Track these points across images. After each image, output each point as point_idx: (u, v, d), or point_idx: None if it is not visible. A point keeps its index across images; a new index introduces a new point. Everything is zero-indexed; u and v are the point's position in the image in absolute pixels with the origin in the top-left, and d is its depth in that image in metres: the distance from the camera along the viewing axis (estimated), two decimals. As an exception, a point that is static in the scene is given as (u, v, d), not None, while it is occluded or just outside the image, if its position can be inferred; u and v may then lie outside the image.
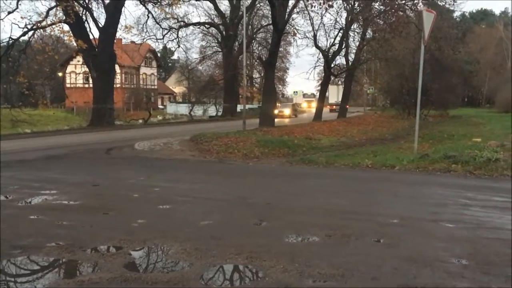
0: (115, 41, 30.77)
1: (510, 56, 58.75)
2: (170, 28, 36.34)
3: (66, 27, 26.39)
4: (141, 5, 30.85)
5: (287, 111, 42.90)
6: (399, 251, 4.58)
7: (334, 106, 50.88)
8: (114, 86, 31.73)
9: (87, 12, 27.96)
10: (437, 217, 5.99)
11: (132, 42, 42.01)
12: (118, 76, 40.81)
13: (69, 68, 48.89)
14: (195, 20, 40.90)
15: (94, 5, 28.64)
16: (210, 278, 4.04)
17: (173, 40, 38.27)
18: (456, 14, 41.65)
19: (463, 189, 7.98)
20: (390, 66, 36.05)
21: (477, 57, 56.80)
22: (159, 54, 66.73)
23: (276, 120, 26.10)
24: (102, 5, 28.87)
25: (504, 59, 59.57)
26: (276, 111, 31.56)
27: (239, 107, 39.09)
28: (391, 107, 44.86)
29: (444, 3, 29.35)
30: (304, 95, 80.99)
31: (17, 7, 24.97)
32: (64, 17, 25.18)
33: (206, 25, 43.25)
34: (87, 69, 32.53)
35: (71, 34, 26.73)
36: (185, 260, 4.33)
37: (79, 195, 7.42)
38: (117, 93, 36.33)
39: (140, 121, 35.18)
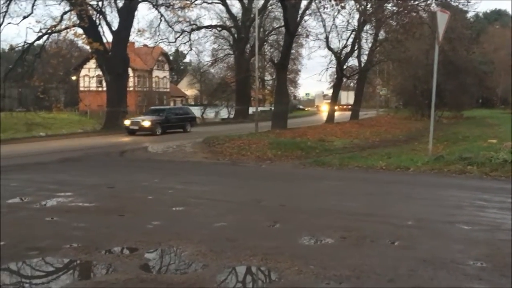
0: (128, 44, 30.99)
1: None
2: (183, 31, 36.50)
3: (80, 31, 26.70)
4: (154, 9, 31.08)
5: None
6: (415, 253, 4.54)
7: (345, 106, 52.76)
8: (127, 89, 31.95)
9: (101, 16, 28.22)
10: (453, 219, 5.93)
11: (145, 45, 42.28)
12: (131, 79, 41.05)
13: (83, 72, 49.40)
14: (207, 23, 40.80)
15: (107, 9, 28.83)
16: (225, 279, 4.05)
17: (185, 43, 38.49)
18: (470, 14, 41.12)
19: (479, 191, 7.89)
20: (403, 67, 35.80)
21: (491, 57, 56.14)
22: (171, 57, 67.12)
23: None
24: (116, 9, 29.13)
25: (518, 59, 58.81)
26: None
27: (251, 110, 39.02)
28: (404, 108, 44.58)
29: (457, 4, 29.07)
30: (325, 96, 79.57)
31: (32, 12, 25.38)
32: (78, 21, 25.46)
33: (218, 28, 43.35)
34: (100, 73, 32.84)
35: (86, 37, 26.98)
36: (200, 261, 4.34)
37: (94, 197, 7.49)
38: (130, 96, 36.56)
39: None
